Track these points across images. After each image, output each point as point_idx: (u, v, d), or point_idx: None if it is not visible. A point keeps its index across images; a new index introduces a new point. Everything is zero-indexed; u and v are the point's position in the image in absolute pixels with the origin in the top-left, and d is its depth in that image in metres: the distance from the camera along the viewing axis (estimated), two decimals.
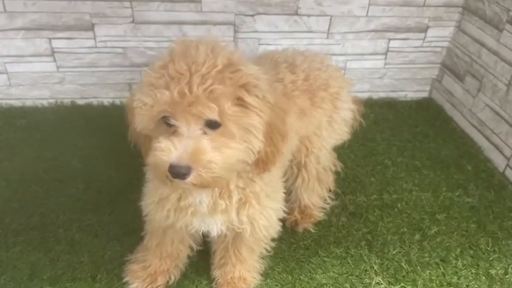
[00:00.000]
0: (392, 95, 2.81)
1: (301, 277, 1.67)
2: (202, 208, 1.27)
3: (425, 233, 1.89)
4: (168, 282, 1.58)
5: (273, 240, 1.57)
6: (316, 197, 1.86)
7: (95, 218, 1.81)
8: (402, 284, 1.67)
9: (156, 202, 1.33)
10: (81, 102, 2.47)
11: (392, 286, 1.66)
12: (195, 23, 2.33)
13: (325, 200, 1.92)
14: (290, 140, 1.50)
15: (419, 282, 1.68)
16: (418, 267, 1.74)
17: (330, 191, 1.93)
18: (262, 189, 1.30)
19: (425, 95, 2.86)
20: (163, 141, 1.05)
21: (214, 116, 1.03)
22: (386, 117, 2.65)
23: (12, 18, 2.17)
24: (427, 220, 1.95)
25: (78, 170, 2.04)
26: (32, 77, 2.35)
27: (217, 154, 1.05)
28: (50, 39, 2.25)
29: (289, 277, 1.66)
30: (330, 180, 1.88)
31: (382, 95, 2.80)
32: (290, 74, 1.53)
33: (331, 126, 1.67)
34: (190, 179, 1.04)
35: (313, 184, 1.80)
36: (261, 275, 1.63)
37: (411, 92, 2.83)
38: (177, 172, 1.03)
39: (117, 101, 2.50)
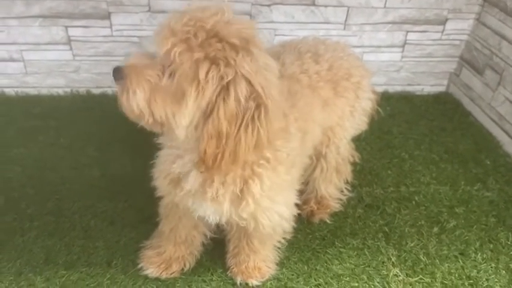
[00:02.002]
0: (409, 88, 2.77)
1: (317, 267, 1.64)
2: (187, 185, 1.24)
3: (444, 226, 1.86)
4: (183, 269, 1.57)
5: (287, 233, 1.55)
6: (333, 188, 1.84)
7: (110, 204, 1.80)
8: (420, 277, 1.64)
9: (162, 175, 1.32)
10: (96, 91, 2.46)
11: (410, 278, 1.63)
12: None
13: (342, 191, 1.90)
14: (312, 134, 1.50)
15: (437, 275, 1.65)
16: (437, 260, 1.71)
17: (347, 182, 1.90)
18: (262, 191, 1.24)
19: (442, 89, 2.82)
20: None
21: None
22: (403, 110, 2.62)
23: (29, 5, 2.17)
24: (445, 213, 1.92)
25: (93, 158, 2.03)
26: (48, 65, 2.35)
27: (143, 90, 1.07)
28: (66, 27, 2.25)
29: (305, 267, 1.64)
30: (347, 171, 1.86)
31: (399, 88, 2.76)
32: (314, 64, 1.52)
33: (353, 116, 1.66)
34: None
35: (331, 175, 1.77)
36: (277, 264, 1.62)
37: (428, 86, 2.79)
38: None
39: None
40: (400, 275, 1.64)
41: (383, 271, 1.65)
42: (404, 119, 2.54)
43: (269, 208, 1.30)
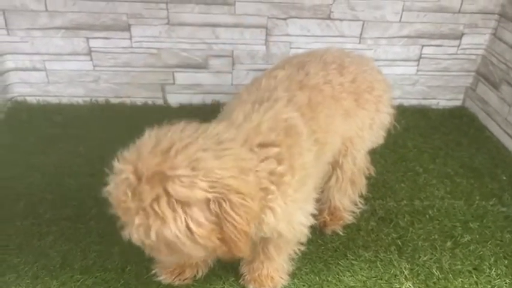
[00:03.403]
0: (424, 102, 2.78)
1: (329, 278, 1.65)
2: None
3: (458, 241, 1.84)
4: (195, 276, 1.58)
5: (302, 241, 1.55)
6: (347, 200, 1.84)
7: None
8: None
9: None
10: (114, 101, 2.52)
11: None
12: (227, 26, 2.36)
13: (356, 204, 1.90)
14: (332, 144, 1.52)
15: None
16: (450, 275, 1.69)
17: (361, 195, 1.91)
18: (275, 220, 1.26)
19: (458, 103, 2.81)
20: None
21: None
22: (418, 124, 2.61)
23: (52, 17, 2.25)
24: (460, 228, 1.91)
25: (111, 166, 2.07)
26: (69, 75, 2.42)
27: None
28: (87, 38, 2.32)
29: (317, 278, 1.65)
30: (362, 183, 1.86)
31: (414, 102, 2.76)
32: (339, 75, 1.55)
33: (372, 128, 1.67)
34: None
35: (346, 185, 1.78)
36: (288, 275, 1.62)
37: (444, 100, 2.79)
38: None
39: (150, 101, 2.54)
40: None
41: (395, 284, 1.64)
42: (419, 132, 2.54)
43: (288, 222, 1.32)
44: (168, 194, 1.02)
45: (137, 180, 1.05)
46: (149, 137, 1.13)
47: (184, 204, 1.03)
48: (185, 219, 1.04)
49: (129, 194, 1.06)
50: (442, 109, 2.77)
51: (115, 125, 2.35)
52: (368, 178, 1.94)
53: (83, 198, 1.89)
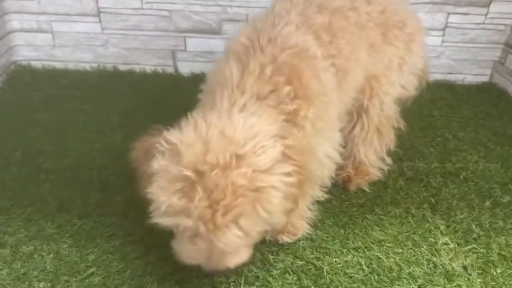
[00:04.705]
0: (450, 77, 2.61)
1: (356, 231, 1.47)
2: None
3: (497, 201, 1.66)
4: None
5: (324, 190, 1.42)
6: (373, 154, 1.68)
7: (130, 165, 1.68)
8: (474, 246, 1.44)
9: None
10: (123, 68, 2.40)
11: (462, 247, 1.44)
12: None
13: (384, 159, 1.73)
14: (354, 75, 1.38)
15: (493, 246, 1.45)
16: (491, 232, 1.51)
17: (389, 151, 1.74)
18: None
19: (485, 79, 2.64)
20: None
21: None
22: (444, 96, 2.45)
23: None
24: (498, 189, 1.72)
25: (116, 123, 1.94)
26: (76, 38, 2.31)
27: None
28: None
29: (342, 231, 1.47)
30: (390, 137, 1.70)
31: (439, 77, 2.60)
32: (366, 4, 1.44)
33: (401, 69, 1.54)
34: None
35: (372, 136, 1.62)
36: (311, 225, 1.45)
37: (470, 75, 2.62)
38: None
39: (160, 69, 2.42)
40: (450, 244, 1.45)
41: (430, 239, 1.46)
42: (446, 103, 2.37)
43: (313, 156, 1.21)
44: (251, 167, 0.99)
45: (216, 170, 0.97)
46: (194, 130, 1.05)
47: (269, 169, 1.01)
48: (279, 178, 1.01)
49: (219, 189, 0.97)
50: (469, 85, 2.61)
51: (123, 89, 2.23)
52: (397, 135, 1.78)
53: (85, 150, 1.76)
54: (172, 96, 2.13)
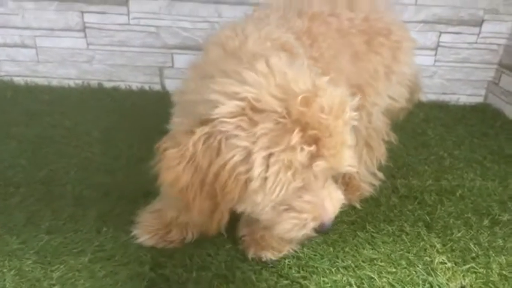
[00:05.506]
0: (444, 97, 2.56)
1: (346, 249, 1.37)
2: None
3: (496, 219, 1.57)
4: (184, 239, 1.31)
5: None
6: (364, 168, 1.59)
7: (107, 177, 1.60)
8: (472, 265, 1.34)
9: None
10: (108, 84, 2.34)
11: (460, 267, 1.33)
12: (231, 3, 2.22)
13: (375, 174, 1.64)
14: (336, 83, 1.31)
15: (493, 266, 1.35)
16: (491, 251, 1.41)
17: (380, 166, 1.66)
18: None
19: (480, 99, 2.59)
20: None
21: None
22: (438, 116, 2.39)
23: None
24: (496, 207, 1.63)
25: (96, 139, 1.86)
26: (60, 54, 2.26)
27: None
28: (82, 12, 2.17)
29: (331, 249, 1.37)
30: (380, 151, 1.61)
31: (432, 97, 2.55)
32: (348, 11, 1.39)
33: (389, 79, 1.47)
34: None
35: (361, 149, 1.54)
36: (297, 242, 1.35)
37: (464, 96, 2.57)
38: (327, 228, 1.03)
39: (146, 86, 2.36)
40: (447, 263, 1.34)
41: (426, 258, 1.36)
42: (440, 123, 2.31)
43: None
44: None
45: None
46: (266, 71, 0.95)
47: None
48: None
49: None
50: (463, 105, 2.55)
51: (106, 105, 2.15)
52: (389, 151, 1.70)
53: (61, 164, 1.66)
54: (156, 113, 2.03)
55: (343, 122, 0.94)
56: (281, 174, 0.89)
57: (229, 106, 0.90)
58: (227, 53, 1.11)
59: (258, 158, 0.88)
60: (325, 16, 1.32)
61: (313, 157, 0.91)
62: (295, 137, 0.87)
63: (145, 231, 1.29)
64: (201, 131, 0.91)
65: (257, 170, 0.89)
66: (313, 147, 0.90)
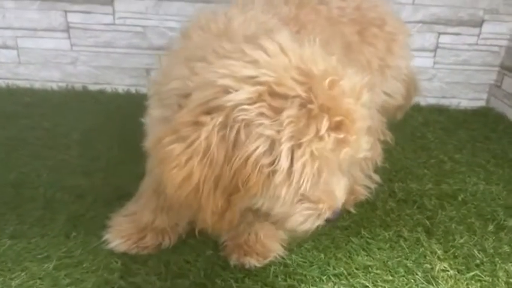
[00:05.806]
0: (444, 101, 2.46)
1: (338, 256, 1.26)
2: None
3: (501, 225, 1.46)
4: (160, 245, 1.20)
5: None
6: (358, 170, 1.48)
7: (83, 180, 1.49)
8: (477, 272, 1.22)
9: None
10: (93, 88, 2.24)
11: (463, 275, 1.22)
12: (221, 1, 2.12)
13: (371, 177, 1.54)
14: None
15: (500, 273, 1.23)
16: (497, 258, 1.30)
17: (376, 168, 1.55)
18: None
19: (482, 103, 2.49)
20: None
21: None
22: (437, 119, 2.28)
23: None
24: (502, 212, 1.53)
25: (74, 141, 1.75)
26: (43, 55, 2.16)
27: None
28: (65, 12, 2.09)
29: (322, 255, 1.26)
30: (377, 151, 1.51)
31: (432, 101, 2.45)
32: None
33: (383, 72, 1.37)
34: None
35: None
36: (285, 248, 1.24)
37: (465, 100, 2.47)
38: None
39: (133, 89, 2.26)
40: (449, 270, 1.23)
41: (426, 265, 1.25)
42: (440, 127, 2.20)
43: None
44: None
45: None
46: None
47: None
48: None
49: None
50: (464, 109, 2.44)
51: (89, 109, 2.04)
52: (386, 153, 1.60)
53: (34, 166, 1.55)
54: (141, 116, 1.96)
55: (362, 105, 0.86)
56: (309, 165, 0.79)
57: (247, 91, 0.79)
58: (214, 35, 1.01)
59: (285, 148, 0.78)
60: (314, 4, 1.23)
61: (340, 144, 0.81)
62: (325, 125, 0.78)
63: (117, 235, 1.18)
64: (213, 121, 0.80)
65: (284, 161, 0.79)
66: (342, 135, 0.81)
